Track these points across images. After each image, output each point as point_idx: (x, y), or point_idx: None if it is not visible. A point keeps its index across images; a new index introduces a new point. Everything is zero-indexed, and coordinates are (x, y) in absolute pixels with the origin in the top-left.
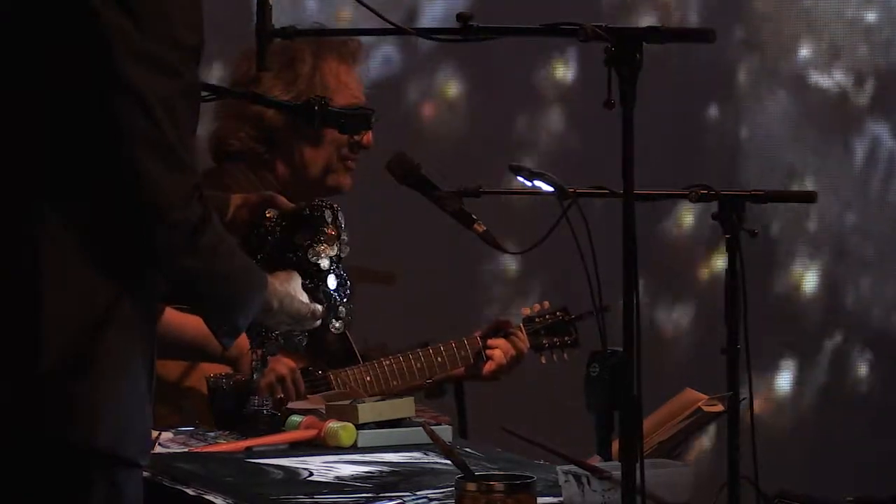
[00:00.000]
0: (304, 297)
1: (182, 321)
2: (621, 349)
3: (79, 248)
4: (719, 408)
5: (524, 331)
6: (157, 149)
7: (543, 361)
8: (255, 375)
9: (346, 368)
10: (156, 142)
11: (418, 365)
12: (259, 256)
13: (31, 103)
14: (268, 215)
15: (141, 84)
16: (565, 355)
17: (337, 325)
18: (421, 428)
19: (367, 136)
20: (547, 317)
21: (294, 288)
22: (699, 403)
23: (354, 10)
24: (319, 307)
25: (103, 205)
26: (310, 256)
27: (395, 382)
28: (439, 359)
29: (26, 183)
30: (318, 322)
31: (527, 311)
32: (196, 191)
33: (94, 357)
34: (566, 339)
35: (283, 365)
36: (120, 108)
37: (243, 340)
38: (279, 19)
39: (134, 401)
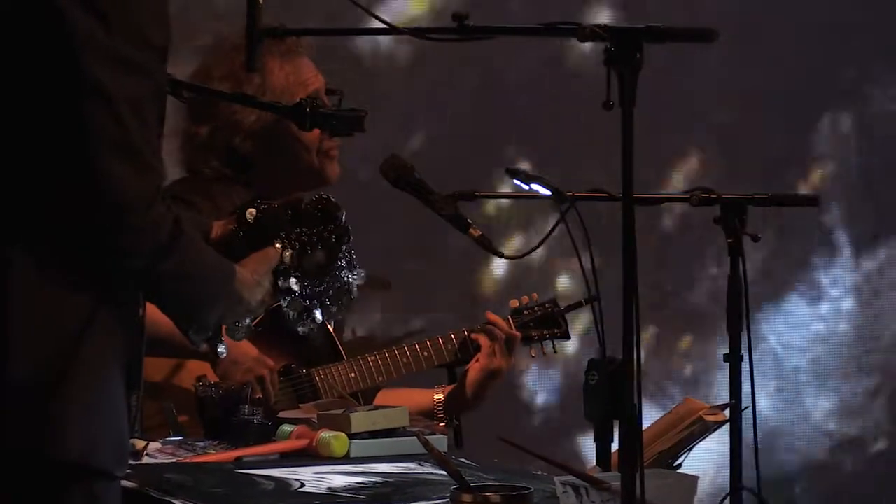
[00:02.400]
0: (268, 283)
1: (157, 314)
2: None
3: (51, 260)
4: (721, 417)
5: (512, 323)
6: (123, 151)
7: (533, 354)
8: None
9: (330, 365)
10: (122, 144)
11: (404, 360)
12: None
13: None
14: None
15: (109, 85)
16: (555, 348)
17: (305, 328)
18: (415, 437)
19: None
20: (535, 309)
21: (263, 275)
22: (700, 412)
23: (349, 9)
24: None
25: (74, 212)
26: (345, 242)
27: (380, 378)
28: (425, 353)
29: None
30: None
31: (515, 304)
32: (160, 192)
33: (69, 369)
34: (555, 330)
35: (262, 365)
36: (87, 110)
37: None
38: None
39: (109, 410)
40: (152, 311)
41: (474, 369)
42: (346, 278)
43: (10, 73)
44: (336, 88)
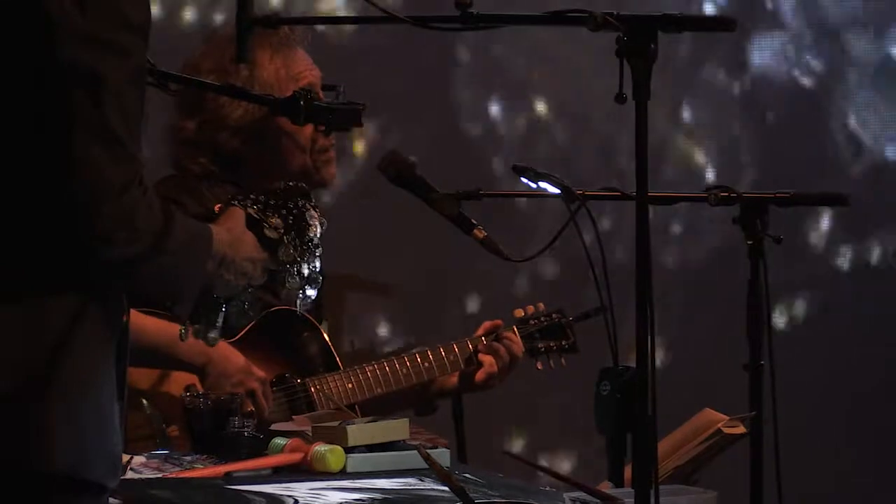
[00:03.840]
0: (250, 238)
1: (142, 324)
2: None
3: (28, 264)
4: (741, 429)
5: (517, 334)
6: (98, 134)
7: (539, 367)
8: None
9: (326, 375)
10: (98, 127)
11: (404, 371)
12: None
13: None
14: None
15: (85, 67)
16: (563, 360)
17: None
18: (416, 451)
19: None
20: (542, 319)
21: (240, 231)
22: (719, 424)
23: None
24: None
25: (47, 200)
26: (308, 217)
27: (379, 390)
28: (426, 364)
29: None
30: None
31: (520, 313)
32: (138, 179)
33: (52, 379)
34: (563, 342)
35: (253, 378)
36: (63, 93)
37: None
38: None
39: (97, 420)
40: (136, 318)
41: (480, 375)
42: (315, 267)
43: None
44: (335, 83)
